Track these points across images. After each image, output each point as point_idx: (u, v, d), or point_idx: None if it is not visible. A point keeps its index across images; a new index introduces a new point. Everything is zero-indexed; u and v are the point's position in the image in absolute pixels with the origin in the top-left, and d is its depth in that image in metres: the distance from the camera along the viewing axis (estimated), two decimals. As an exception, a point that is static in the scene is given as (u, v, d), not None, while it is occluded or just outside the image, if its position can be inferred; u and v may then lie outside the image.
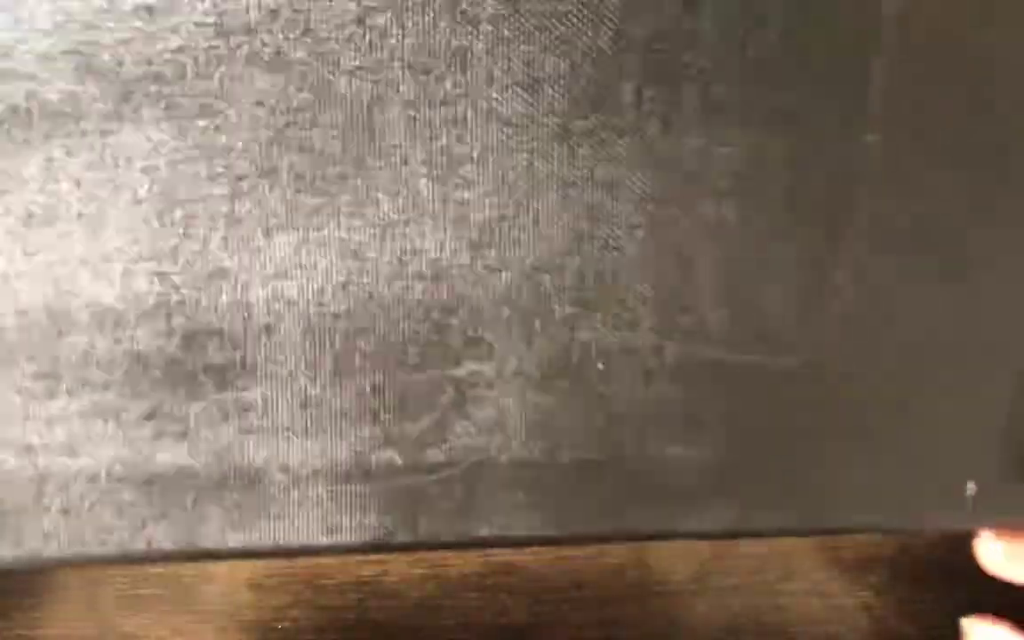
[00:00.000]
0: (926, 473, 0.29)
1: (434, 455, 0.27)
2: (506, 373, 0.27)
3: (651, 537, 0.29)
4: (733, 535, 0.28)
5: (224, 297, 0.25)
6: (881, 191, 0.27)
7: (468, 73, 0.25)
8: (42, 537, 0.26)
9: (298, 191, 0.25)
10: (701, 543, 0.39)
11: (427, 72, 0.25)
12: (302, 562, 0.37)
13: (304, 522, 0.27)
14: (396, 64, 0.24)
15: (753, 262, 0.27)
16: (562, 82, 0.25)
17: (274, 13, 0.24)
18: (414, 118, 0.25)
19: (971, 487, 0.29)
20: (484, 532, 0.27)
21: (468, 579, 0.38)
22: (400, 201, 0.25)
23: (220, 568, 0.37)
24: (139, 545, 0.26)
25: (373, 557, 0.37)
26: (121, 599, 0.37)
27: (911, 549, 0.39)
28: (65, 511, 0.26)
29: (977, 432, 0.29)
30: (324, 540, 0.27)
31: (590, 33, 0.25)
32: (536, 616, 0.38)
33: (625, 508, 0.28)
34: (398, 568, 0.37)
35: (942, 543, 0.38)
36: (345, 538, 0.27)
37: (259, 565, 0.37)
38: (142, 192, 0.25)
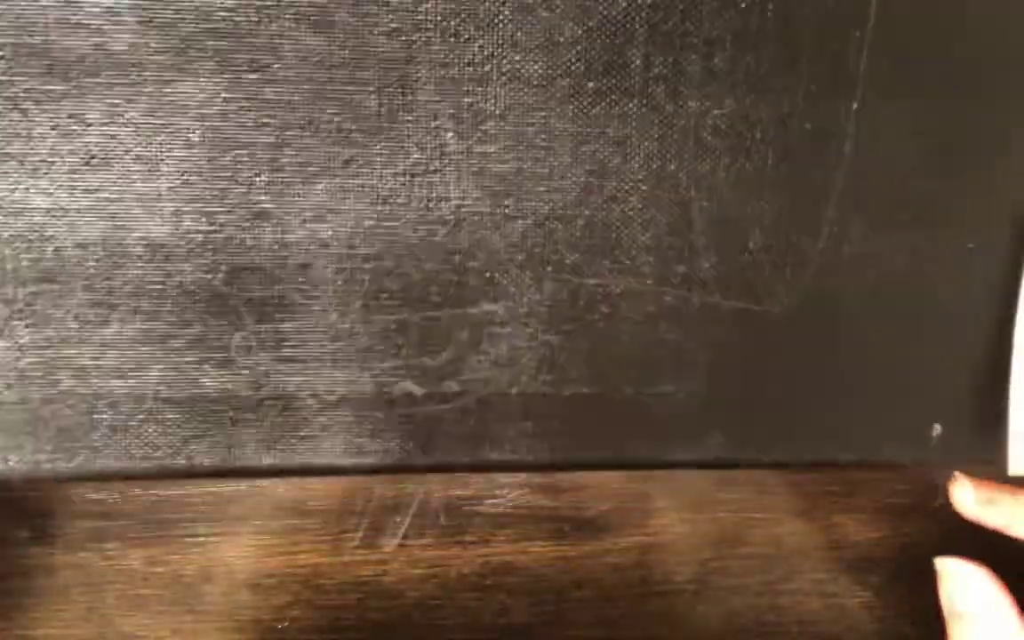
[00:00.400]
0: (894, 413, 0.31)
1: (450, 387, 0.29)
2: (518, 313, 0.29)
3: (647, 466, 0.31)
4: (719, 465, 0.31)
5: (265, 237, 0.28)
6: (859, 154, 0.29)
7: (494, 35, 0.27)
8: (92, 452, 0.28)
9: (335, 143, 0.27)
10: (702, 543, 0.39)
11: (456, 35, 0.27)
12: (302, 561, 0.37)
13: (331, 444, 0.29)
14: (429, 26, 0.27)
15: (743, 216, 0.29)
16: (578, 47, 0.27)
17: None
18: (444, 77, 0.27)
19: (936, 428, 0.31)
20: (494, 457, 0.30)
21: (468, 579, 0.38)
22: (428, 153, 0.28)
23: (220, 568, 0.37)
24: (180, 461, 0.28)
25: (373, 557, 0.37)
26: (121, 599, 0.37)
27: (911, 549, 0.39)
28: (113, 428, 0.28)
29: (944, 378, 0.31)
30: (348, 461, 0.29)
31: (605, 2, 0.27)
32: (536, 616, 0.38)
33: (623, 439, 0.30)
34: (398, 568, 0.37)
35: (942, 544, 0.38)
36: (368, 460, 0.29)
37: (260, 565, 0.37)
38: (194, 138, 0.27)
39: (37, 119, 0.26)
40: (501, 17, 0.27)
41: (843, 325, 0.30)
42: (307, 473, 0.29)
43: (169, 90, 0.26)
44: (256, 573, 0.37)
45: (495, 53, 0.27)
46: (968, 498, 0.32)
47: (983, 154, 0.30)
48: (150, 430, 0.28)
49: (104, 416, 0.28)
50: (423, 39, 0.27)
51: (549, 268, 0.29)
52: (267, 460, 0.29)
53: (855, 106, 0.29)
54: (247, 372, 0.28)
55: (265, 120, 0.27)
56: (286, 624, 0.37)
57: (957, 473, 0.33)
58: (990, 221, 0.30)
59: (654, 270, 0.29)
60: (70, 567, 0.37)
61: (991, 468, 0.31)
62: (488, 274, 0.28)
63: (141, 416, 0.28)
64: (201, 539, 0.37)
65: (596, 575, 0.38)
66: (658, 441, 0.30)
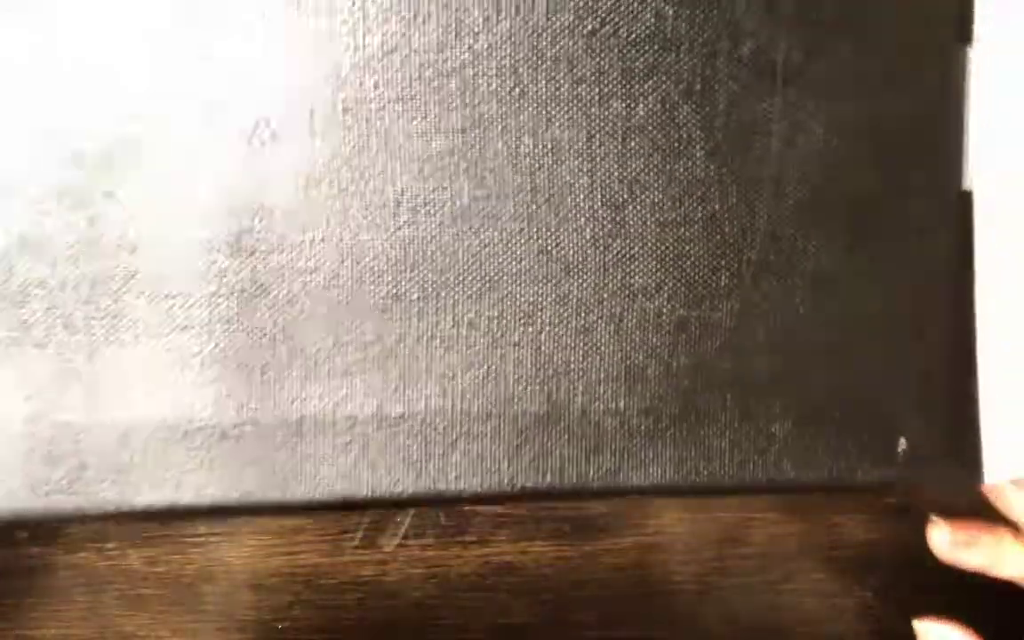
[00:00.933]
0: (852, 427, 0.30)
1: (394, 408, 0.29)
2: (459, 330, 0.29)
3: (595, 494, 0.30)
4: (672, 492, 0.30)
5: None
6: (787, 151, 0.29)
7: None
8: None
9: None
10: (702, 543, 0.39)
11: None
12: (302, 561, 0.37)
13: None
14: None
15: (679, 219, 0.29)
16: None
17: None
18: None
19: (902, 443, 0.30)
20: (440, 488, 0.29)
21: (468, 579, 0.38)
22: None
23: (220, 568, 0.37)
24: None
25: (373, 557, 0.37)
26: (121, 599, 0.37)
27: (911, 549, 0.39)
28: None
29: (901, 386, 0.30)
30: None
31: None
32: (536, 616, 0.38)
33: (569, 463, 0.30)
34: (398, 568, 0.37)
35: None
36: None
37: (260, 565, 0.37)
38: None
39: None
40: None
41: (786, 331, 0.30)
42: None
43: None
44: (256, 573, 0.37)
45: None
46: (945, 541, 0.32)
47: (914, 148, 0.30)
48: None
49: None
50: None
51: (487, 282, 0.29)
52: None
53: (778, 101, 0.29)
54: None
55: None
56: (286, 624, 0.38)
57: (933, 516, 0.32)
58: (930, 216, 0.30)
59: (593, 279, 0.29)
60: (70, 567, 0.37)
61: (966, 479, 0.31)
62: (427, 287, 0.29)
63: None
64: (201, 539, 0.37)
65: (596, 575, 0.38)
66: (606, 466, 0.30)
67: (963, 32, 0.30)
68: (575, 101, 0.28)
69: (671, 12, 0.28)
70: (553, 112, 0.28)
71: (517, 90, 0.28)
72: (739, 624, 0.39)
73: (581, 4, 0.28)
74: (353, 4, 0.27)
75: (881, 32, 0.29)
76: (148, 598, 0.37)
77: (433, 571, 0.38)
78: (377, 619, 0.38)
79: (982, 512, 0.32)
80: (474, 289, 0.29)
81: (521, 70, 0.28)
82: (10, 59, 0.27)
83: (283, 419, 0.28)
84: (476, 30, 0.28)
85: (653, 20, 0.28)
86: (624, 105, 0.28)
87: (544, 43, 0.28)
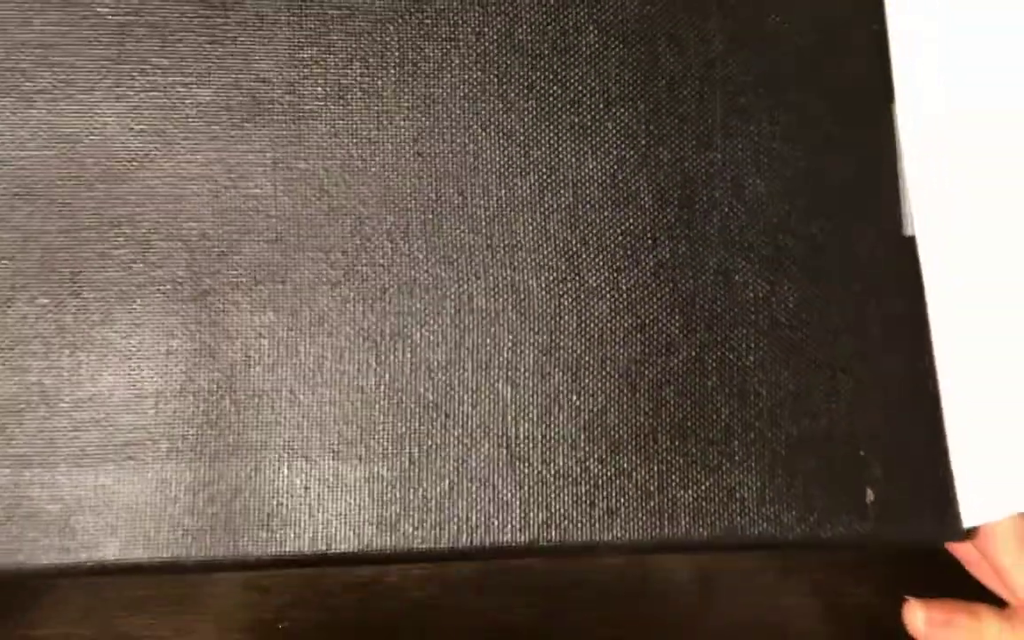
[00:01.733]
0: (821, 481, 0.31)
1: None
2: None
3: (574, 552, 0.30)
4: (652, 549, 0.30)
5: None
6: (734, 201, 0.31)
7: None
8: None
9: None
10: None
11: None
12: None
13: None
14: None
15: (634, 271, 0.31)
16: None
17: None
18: None
19: (869, 493, 0.30)
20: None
21: (468, 579, 0.38)
22: None
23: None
24: None
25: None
26: (121, 599, 0.37)
27: (911, 549, 0.39)
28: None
29: (866, 435, 0.31)
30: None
31: None
32: (536, 616, 0.38)
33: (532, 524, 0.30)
34: (398, 568, 0.37)
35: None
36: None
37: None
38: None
39: None
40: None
41: (743, 383, 0.31)
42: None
43: None
44: (256, 573, 0.37)
45: None
46: (920, 621, 0.31)
47: (857, 194, 0.31)
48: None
49: None
50: None
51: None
52: None
53: (718, 155, 0.30)
54: None
55: None
56: (286, 624, 0.38)
57: (908, 597, 0.32)
58: (875, 261, 0.31)
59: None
60: (70, 567, 0.37)
61: (942, 532, 0.31)
62: None
63: None
64: (201, 539, 0.37)
65: (596, 575, 0.38)
66: (568, 525, 0.30)
67: (888, 92, 0.32)
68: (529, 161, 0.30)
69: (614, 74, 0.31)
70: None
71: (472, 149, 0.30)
72: (739, 624, 0.39)
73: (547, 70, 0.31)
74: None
75: (814, 81, 0.31)
76: (148, 598, 0.37)
77: (433, 571, 0.38)
78: (377, 619, 0.38)
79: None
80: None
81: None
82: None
83: None
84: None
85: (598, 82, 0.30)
86: (575, 159, 0.30)
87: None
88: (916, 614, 0.31)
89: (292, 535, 0.29)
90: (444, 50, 0.30)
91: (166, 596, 0.37)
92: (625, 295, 0.31)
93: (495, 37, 0.30)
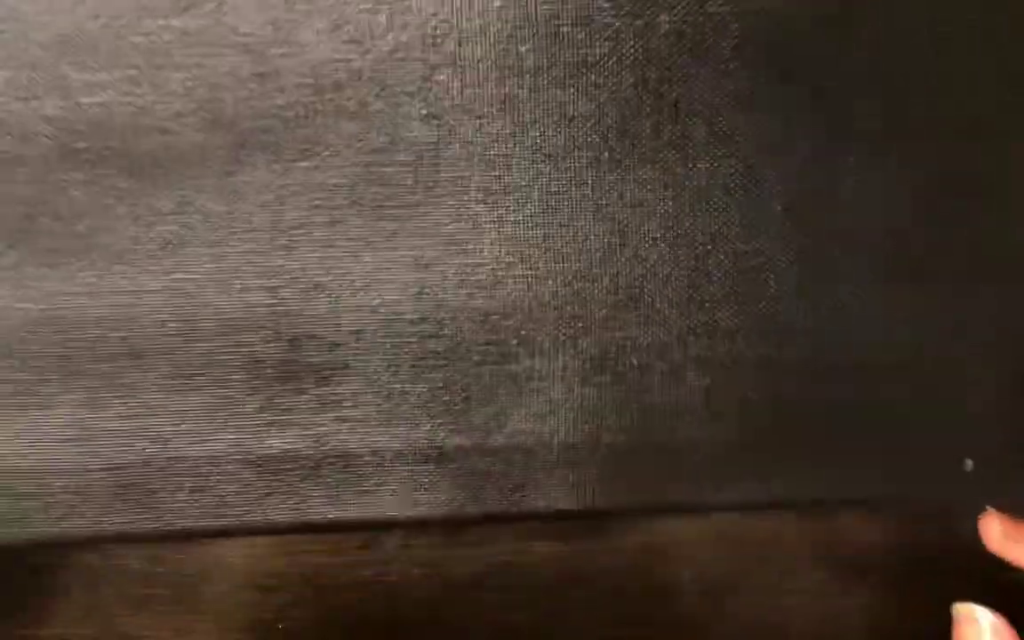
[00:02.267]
0: (924, 450, 0.33)
1: (495, 440, 0.32)
2: (555, 368, 0.32)
3: (683, 510, 0.34)
4: (753, 507, 0.33)
5: (320, 307, 0.31)
6: (859, 205, 0.31)
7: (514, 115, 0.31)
8: (175, 513, 0.32)
9: (379, 218, 0.31)
10: (702, 543, 0.39)
11: (481, 116, 0.30)
12: (303, 561, 0.37)
13: (389, 498, 0.32)
14: (457, 110, 0.30)
15: (757, 264, 0.32)
16: (592, 121, 0.31)
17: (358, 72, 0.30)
18: (471, 154, 0.31)
19: (968, 464, 0.33)
20: (540, 506, 0.32)
21: (468, 579, 0.38)
22: (461, 223, 0.31)
23: (220, 568, 0.37)
24: (257, 518, 0.32)
25: (373, 557, 0.37)
26: (121, 599, 0.37)
27: (911, 549, 0.39)
28: (194, 489, 0.31)
29: (974, 412, 0.32)
30: (404, 513, 0.32)
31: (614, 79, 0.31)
32: (536, 616, 0.38)
33: (659, 484, 0.33)
34: (398, 568, 0.38)
35: (941, 543, 0.38)
36: (421, 511, 0.32)
37: (260, 565, 0.37)
38: (256, 221, 0.30)
39: (118, 212, 0.30)
40: (520, 97, 0.30)
41: (864, 366, 0.32)
42: (367, 527, 0.33)
43: (231, 180, 0.30)
44: (256, 573, 0.38)
45: (516, 131, 0.31)
46: (995, 532, 0.34)
47: (982, 202, 0.32)
48: (227, 490, 0.32)
49: (186, 479, 0.31)
50: (451, 123, 0.30)
51: (580, 324, 0.32)
52: (332, 515, 0.32)
53: (852, 160, 0.31)
54: (310, 432, 0.32)
55: (317, 202, 0.30)
56: (286, 624, 0.38)
57: (989, 507, 0.34)
58: (1000, 261, 0.32)
59: (677, 321, 0.32)
60: (70, 567, 0.37)
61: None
62: (524, 332, 0.32)
63: (218, 476, 0.31)
64: (201, 539, 0.37)
65: (596, 575, 0.39)
66: (693, 484, 0.32)
67: None
68: (659, 163, 0.31)
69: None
70: (640, 174, 0.31)
71: (606, 155, 0.31)
72: (739, 624, 0.39)
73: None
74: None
75: (947, 93, 0.31)
76: (148, 598, 0.38)
77: (433, 571, 0.38)
78: (377, 619, 0.38)
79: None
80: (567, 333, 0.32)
81: (608, 138, 0.31)
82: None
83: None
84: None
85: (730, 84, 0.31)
86: (706, 165, 0.31)
87: (628, 112, 0.31)
88: (993, 525, 0.33)
89: None
90: None
91: (166, 596, 0.37)
92: (753, 312, 0.32)
93: None
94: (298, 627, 0.38)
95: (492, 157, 0.31)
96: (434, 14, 0.30)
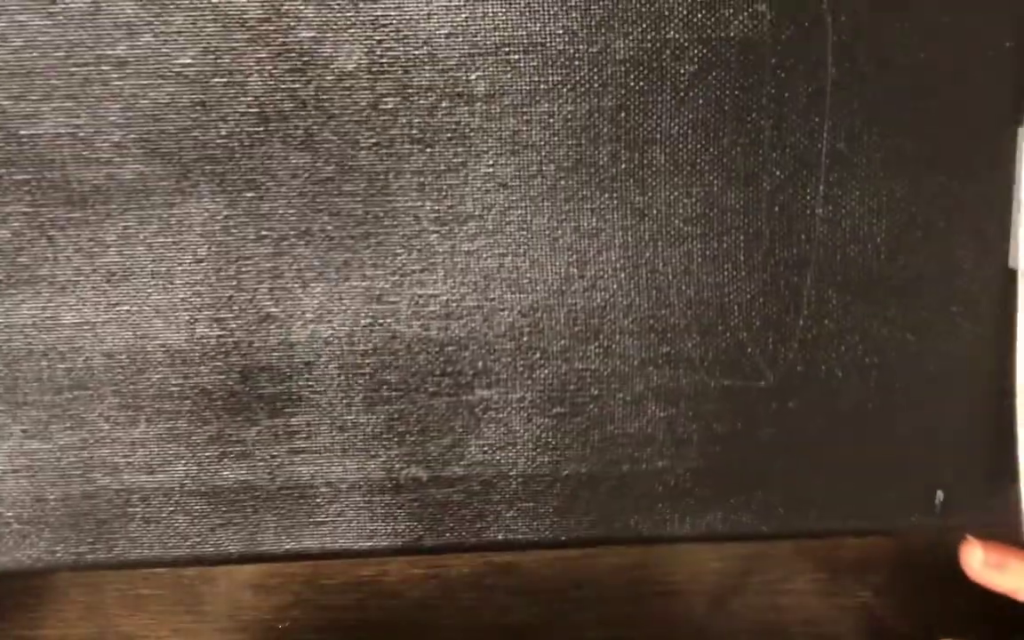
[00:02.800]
0: (894, 480, 0.32)
1: (454, 471, 0.32)
2: (512, 399, 0.31)
3: (647, 541, 0.33)
4: (717, 538, 0.32)
5: (271, 338, 0.31)
6: (831, 232, 0.31)
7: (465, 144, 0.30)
8: (129, 542, 0.32)
9: (329, 249, 0.30)
10: (701, 544, 0.39)
11: (431, 145, 0.30)
12: (302, 561, 0.37)
13: (344, 529, 0.32)
14: (405, 140, 0.30)
15: (721, 296, 0.31)
16: (546, 148, 0.30)
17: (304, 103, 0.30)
18: (422, 184, 0.30)
19: (940, 495, 0.32)
20: (500, 537, 0.32)
21: (468, 579, 0.38)
22: (414, 254, 0.30)
23: (220, 568, 0.37)
24: (208, 548, 0.32)
25: (373, 557, 0.37)
26: (121, 599, 0.38)
27: (911, 549, 0.39)
28: (146, 520, 0.31)
29: (943, 442, 0.32)
30: (361, 544, 0.32)
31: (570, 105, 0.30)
32: (536, 616, 0.38)
33: (622, 515, 0.32)
34: (398, 568, 0.38)
35: (941, 544, 0.38)
36: (380, 543, 0.32)
37: (260, 565, 0.37)
38: (201, 252, 0.30)
39: (61, 244, 0.30)
40: (471, 125, 0.30)
41: (832, 396, 0.32)
42: (324, 557, 0.32)
43: (176, 210, 0.30)
44: (256, 573, 0.38)
45: (468, 160, 0.30)
46: (976, 561, 0.33)
47: (951, 223, 0.31)
48: (179, 520, 0.32)
49: (137, 509, 0.31)
50: (400, 151, 0.30)
51: (537, 355, 0.31)
52: (287, 545, 0.32)
53: (821, 188, 0.31)
54: (263, 464, 0.31)
55: (264, 233, 0.30)
56: (286, 624, 0.38)
57: (968, 535, 0.33)
58: (971, 285, 0.32)
59: (638, 352, 0.32)
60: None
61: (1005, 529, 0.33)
62: (480, 363, 0.31)
63: (171, 508, 0.32)
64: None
65: (596, 575, 0.39)
66: (654, 516, 0.32)
67: (1018, 114, 0.31)
68: (616, 192, 0.31)
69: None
70: (597, 202, 0.31)
71: (561, 182, 0.31)
72: (739, 624, 0.39)
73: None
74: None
75: (915, 114, 0.31)
76: (148, 598, 0.38)
77: (433, 571, 0.38)
78: (377, 619, 0.38)
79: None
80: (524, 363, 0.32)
81: (563, 166, 0.31)
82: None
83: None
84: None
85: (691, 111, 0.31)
86: (666, 194, 0.31)
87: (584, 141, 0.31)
88: (974, 554, 0.33)
89: None
90: None
91: (166, 596, 0.38)
92: (717, 342, 0.32)
93: None
94: (298, 627, 0.38)
95: (444, 186, 0.30)
96: (380, 42, 0.29)
